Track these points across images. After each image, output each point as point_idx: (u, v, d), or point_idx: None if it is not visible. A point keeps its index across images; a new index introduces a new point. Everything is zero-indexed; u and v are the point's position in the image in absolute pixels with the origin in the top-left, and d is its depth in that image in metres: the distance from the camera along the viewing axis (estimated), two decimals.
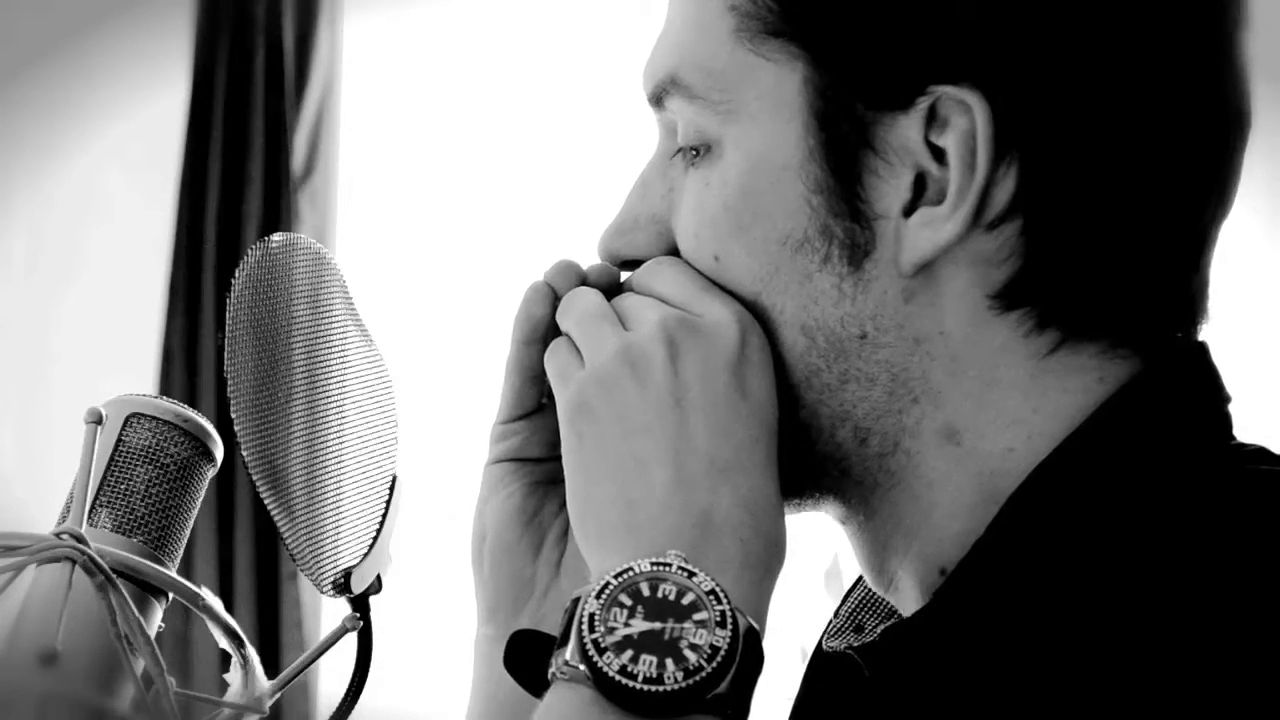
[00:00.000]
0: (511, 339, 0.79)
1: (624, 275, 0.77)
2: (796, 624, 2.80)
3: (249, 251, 0.72)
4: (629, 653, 0.61)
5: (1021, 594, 0.64)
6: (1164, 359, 0.69)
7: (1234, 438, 0.69)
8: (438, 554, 2.83)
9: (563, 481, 0.72)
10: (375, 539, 0.75)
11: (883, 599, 0.76)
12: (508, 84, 2.98)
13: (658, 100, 0.73)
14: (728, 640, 0.61)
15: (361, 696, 0.74)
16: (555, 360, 0.74)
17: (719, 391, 0.69)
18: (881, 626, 0.74)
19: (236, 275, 0.71)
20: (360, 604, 0.74)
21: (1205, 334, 0.71)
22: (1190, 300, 0.70)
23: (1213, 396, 0.69)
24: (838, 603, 0.82)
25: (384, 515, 0.76)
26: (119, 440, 0.69)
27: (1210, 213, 0.69)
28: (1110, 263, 0.67)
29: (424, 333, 2.90)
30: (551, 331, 0.77)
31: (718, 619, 0.62)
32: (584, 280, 0.77)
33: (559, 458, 0.72)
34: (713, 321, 0.70)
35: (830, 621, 0.80)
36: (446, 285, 2.97)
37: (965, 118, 0.66)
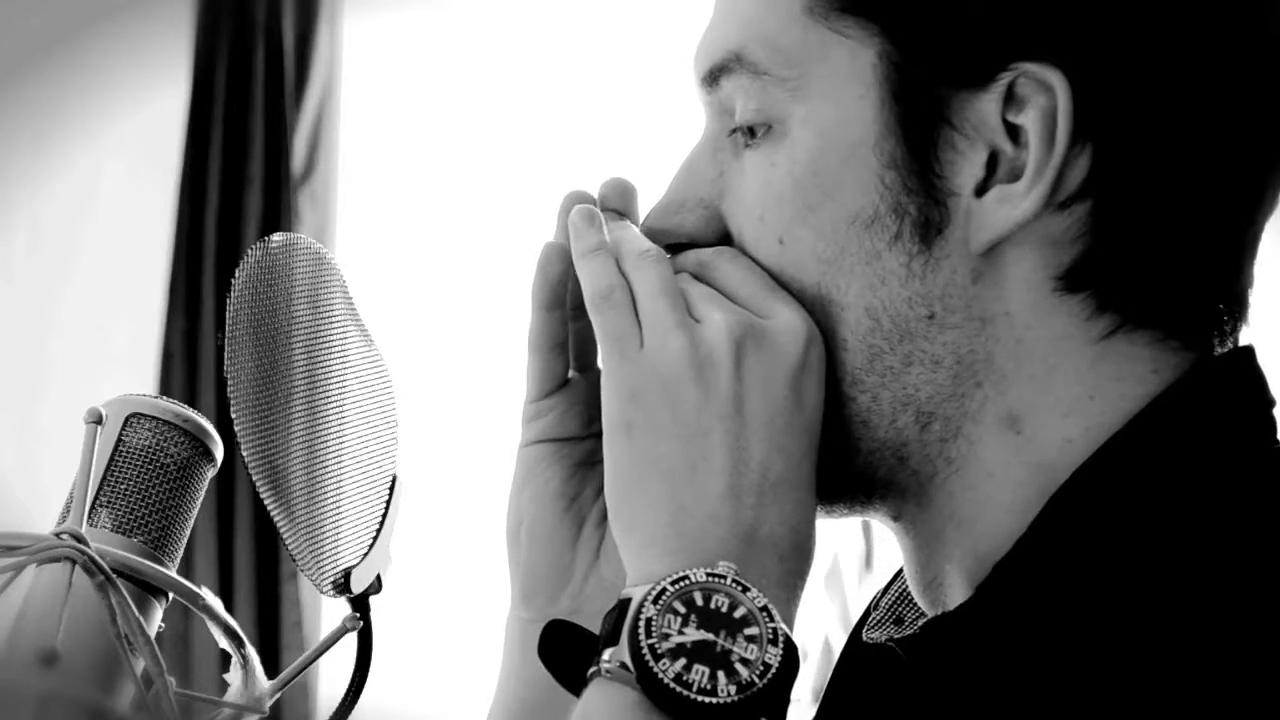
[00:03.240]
0: (531, 306, 0.77)
1: (670, 257, 0.75)
2: (796, 624, 2.80)
3: (249, 251, 0.72)
4: (682, 661, 0.62)
5: (1064, 591, 0.64)
6: (1213, 360, 0.69)
7: (1278, 441, 0.69)
8: (438, 554, 2.84)
9: (602, 462, 0.71)
10: (375, 539, 0.75)
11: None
12: (508, 84, 2.98)
13: (714, 79, 0.72)
14: (779, 659, 0.63)
15: (361, 696, 0.74)
16: (615, 326, 0.71)
17: (778, 403, 0.69)
18: (922, 619, 0.74)
19: (236, 275, 0.71)
20: (360, 604, 0.74)
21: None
22: (1236, 297, 0.70)
23: (1259, 400, 0.69)
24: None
25: (384, 515, 0.76)
26: (119, 440, 0.69)
27: (1264, 210, 0.69)
28: (1172, 249, 0.67)
29: (424, 333, 2.90)
30: (571, 294, 0.76)
31: (770, 636, 0.63)
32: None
33: (598, 435, 0.72)
34: (779, 328, 0.69)
35: (870, 615, 0.79)
36: (447, 285, 2.97)
37: (1046, 96, 0.66)
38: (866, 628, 0.78)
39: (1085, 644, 0.61)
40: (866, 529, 2.63)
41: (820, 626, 2.57)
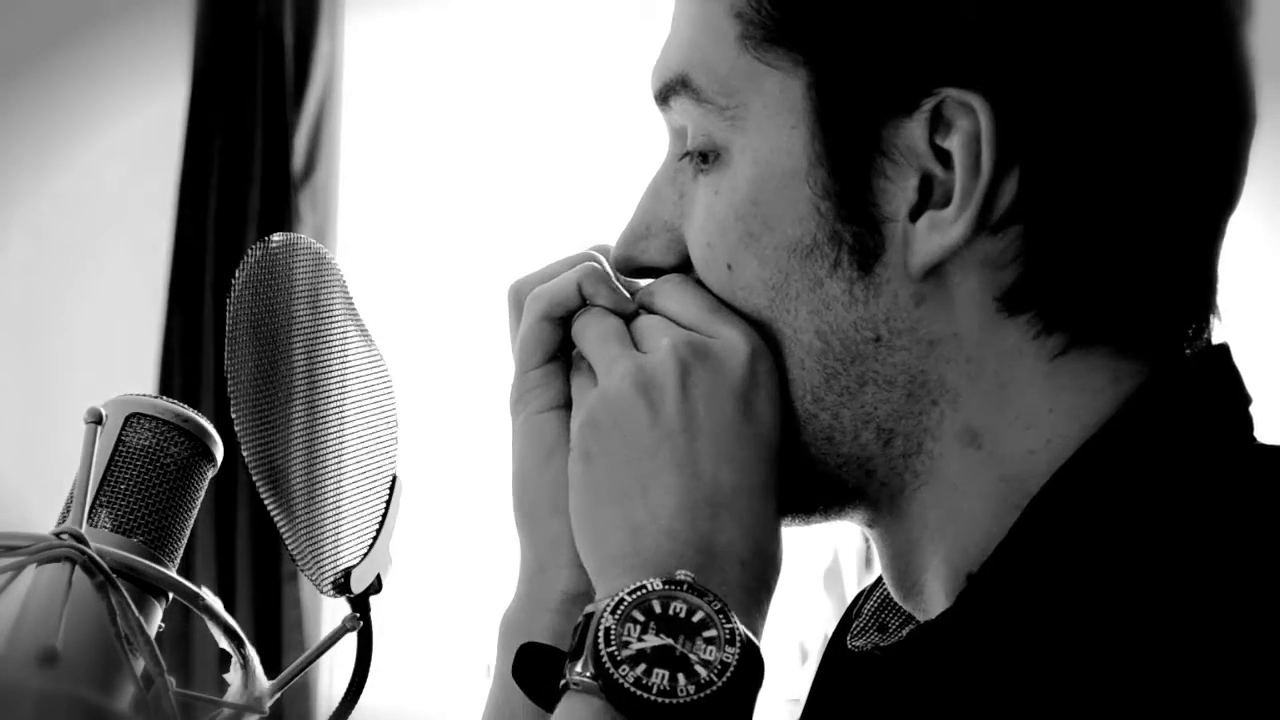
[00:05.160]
0: (567, 279, 0.76)
1: (642, 281, 0.76)
2: (796, 623, 2.80)
3: (249, 251, 0.72)
4: (642, 666, 0.63)
5: (1044, 597, 0.64)
6: (1183, 360, 0.69)
7: (1255, 440, 0.69)
8: (438, 554, 2.84)
9: None
10: (375, 539, 0.75)
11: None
12: (508, 84, 2.98)
13: (664, 99, 0.73)
14: (736, 657, 0.64)
15: (361, 696, 0.74)
16: (576, 382, 0.75)
17: (726, 417, 0.69)
18: (907, 628, 0.74)
19: (236, 275, 0.71)
20: (360, 604, 0.74)
21: (1217, 331, 0.71)
22: (1198, 298, 0.70)
23: (1234, 399, 0.69)
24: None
25: (384, 515, 0.76)
26: (119, 440, 0.69)
27: (1215, 212, 0.69)
28: (1113, 266, 0.67)
29: (424, 333, 2.90)
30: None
31: (727, 637, 0.64)
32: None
33: None
34: (723, 345, 0.70)
35: (854, 622, 0.80)
36: (447, 285, 2.97)
37: (969, 120, 0.66)
38: (850, 635, 0.79)
39: (1072, 650, 0.61)
40: None
41: (820, 626, 2.57)
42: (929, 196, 0.67)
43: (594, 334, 0.74)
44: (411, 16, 3.03)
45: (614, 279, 0.76)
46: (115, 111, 2.91)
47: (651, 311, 0.74)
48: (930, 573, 0.71)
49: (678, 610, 0.65)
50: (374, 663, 0.75)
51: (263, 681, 0.70)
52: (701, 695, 0.63)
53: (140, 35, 2.93)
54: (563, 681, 0.65)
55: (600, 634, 0.64)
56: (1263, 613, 0.59)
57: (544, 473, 0.76)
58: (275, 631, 2.82)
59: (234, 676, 0.71)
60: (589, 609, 0.66)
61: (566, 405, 0.76)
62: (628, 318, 0.75)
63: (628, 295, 0.76)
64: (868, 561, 2.69)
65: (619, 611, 0.64)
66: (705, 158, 0.72)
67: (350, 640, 0.75)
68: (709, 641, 0.64)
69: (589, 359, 0.74)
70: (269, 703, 0.70)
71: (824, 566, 2.68)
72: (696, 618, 0.64)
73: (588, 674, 0.64)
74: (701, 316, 0.72)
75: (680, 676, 0.63)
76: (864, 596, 0.81)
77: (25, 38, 2.87)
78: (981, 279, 0.68)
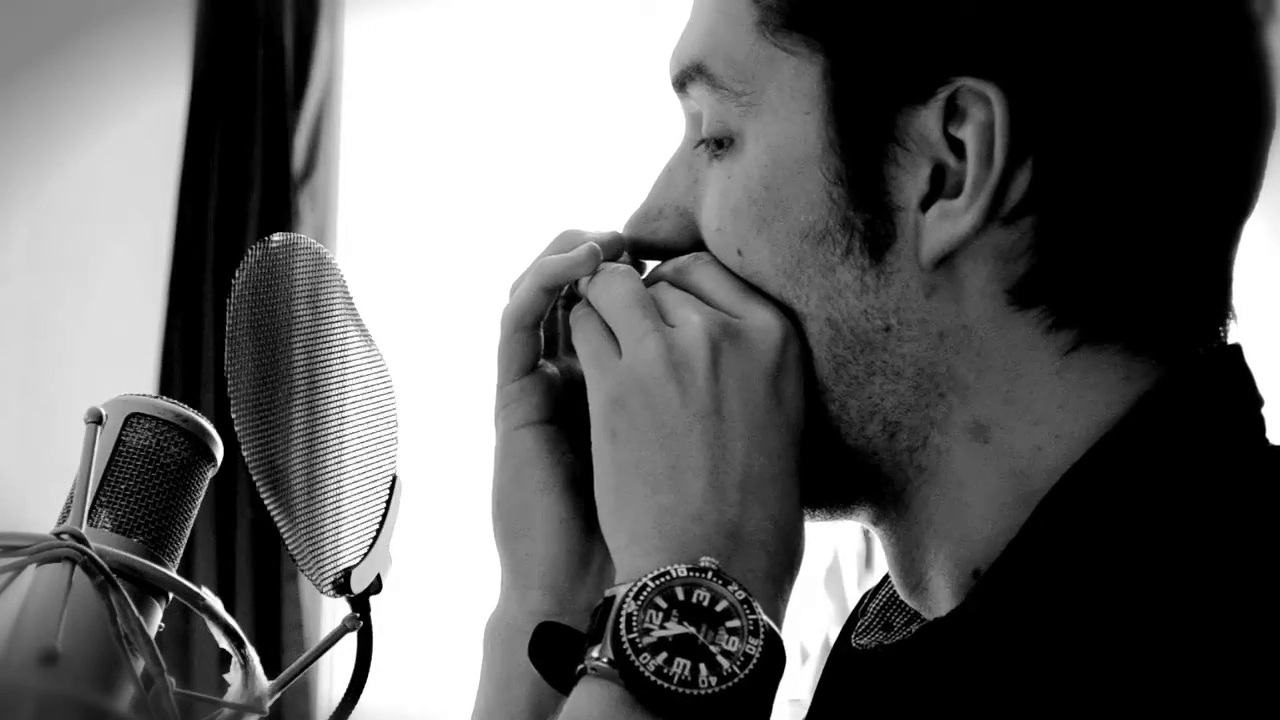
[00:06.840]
0: (527, 285, 0.76)
1: (651, 264, 0.76)
2: (796, 623, 2.80)
3: (249, 251, 0.72)
4: (663, 655, 0.63)
5: (1055, 597, 0.64)
6: (1195, 361, 0.69)
7: (1267, 441, 0.69)
8: (438, 554, 2.83)
9: None
10: (375, 539, 0.75)
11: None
12: (508, 84, 2.98)
13: (682, 85, 0.73)
14: (760, 649, 0.63)
15: (361, 696, 0.74)
16: (588, 343, 0.73)
17: (757, 401, 0.69)
18: (914, 625, 0.74)
19: (236, 275, 0.71)
20: (360, 604, 0.74)
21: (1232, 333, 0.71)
22: (1213, 300, 0.70)
23: (1246, 400, 0.69)
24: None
25: (384, 515, 0.76)
26: (119, 440, 0.69)
27: (1230, 213, 0.69)
28: (1126, 262, 0.67)
29: (424, 333, 2.90)
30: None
31: (751, 628, 0.64)
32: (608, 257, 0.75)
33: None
34: (755, 327, 0.70)
35: (858, 620, 0.79)
36: (447, 285, 2.97)
37: (984, 110, 0.66)
38: (855, 633, 0.79)
39: (1082, 650, 0.61)
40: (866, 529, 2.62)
41: (820, 626, 2.57)
42: (941, 186, 0.67)
43: (617, 295, 0.72)
44: (411, 16, 3.03)
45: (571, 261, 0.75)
46: (115, 112, 2.91)
47: (678, 287, 0.73)
48: (935, 569, 0.71)
49: (701, 599, 0.64)
50: (374, 663, 0.75)
51: (263, 681, 0.70)
52: (724, 687, 0.62)
53: (140, 35, 2.93)
54: (580, 666, 0.65)
55: (622, 619, 0.63)
56: (1275, 615, 0.59)
57: (514, 492, 0.77)
58: (275, 631, 2.82)
59: (234, 676, 0.71)
60: (609, 591, 0.65)
61: (540, 421, 0.77)
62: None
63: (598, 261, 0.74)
64: (868, 562, 2.69)
65: (641, 597, 0.64)
66: (720, 144, 0.72)
67: (350, 640, 0.75)
68: (732, 632, 0.63)
69: (612, 324, 0.72)
70: (269, 703, 0.70)
71: (824, 566, 2.68)
72: (720, 607, 0.64)
73: (606, 659, 0.63)
74: (734, 297, 0.71)
75: (702, 667, 0.63)
76: (870, 595, 0.81)
77: (25, 38, 2.87)
78: (992, 271, 0.68)
